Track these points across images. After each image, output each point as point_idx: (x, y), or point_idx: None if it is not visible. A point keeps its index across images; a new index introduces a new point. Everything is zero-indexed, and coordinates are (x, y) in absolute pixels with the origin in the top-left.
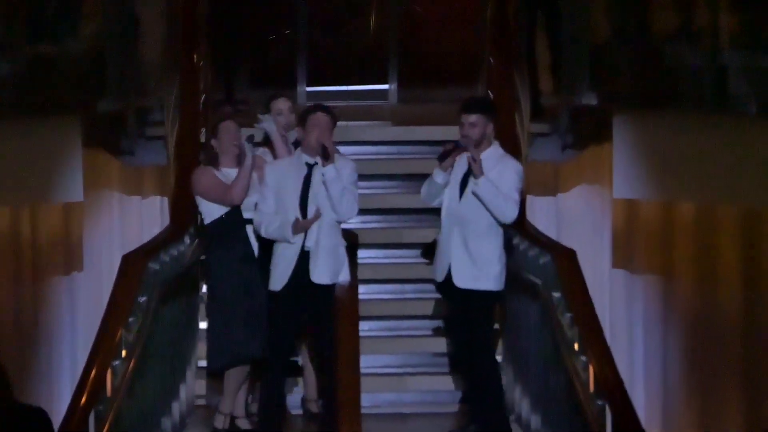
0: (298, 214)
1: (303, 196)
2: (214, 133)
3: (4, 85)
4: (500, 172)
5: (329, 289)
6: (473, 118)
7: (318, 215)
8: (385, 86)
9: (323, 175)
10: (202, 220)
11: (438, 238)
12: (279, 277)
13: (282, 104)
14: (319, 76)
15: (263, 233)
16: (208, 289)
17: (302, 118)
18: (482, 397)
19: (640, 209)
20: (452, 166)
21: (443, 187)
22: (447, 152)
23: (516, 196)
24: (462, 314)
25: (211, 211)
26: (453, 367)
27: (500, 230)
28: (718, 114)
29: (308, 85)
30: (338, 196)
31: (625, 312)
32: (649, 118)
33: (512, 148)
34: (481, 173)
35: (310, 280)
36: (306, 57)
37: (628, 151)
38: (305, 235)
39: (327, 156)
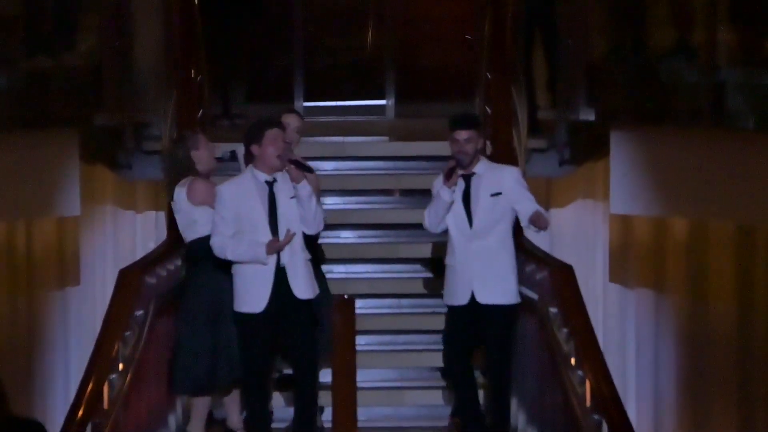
0: (269, 235)
1: (271, 215)
2: (186, 142)
3: (2, 98)
4: (506, 185)
5: (307, 303)
6: (467, 134)
7: (291, 236)
8: (383, 101)
9: (298, 191)
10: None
11: (450, 263)
12: (257, 297)
13: (290, 119)
14: (316, 91)
15: (229, 256)
16: (185, 307)
17: (254, 136)
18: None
19: (637, 224)
20: (456, 182)
21: (450, 206)
22: (452, 169)
23: (532, 196)
24: (489, 331)
25: (204, 225)
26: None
27: (512, 243)
28: (716, 129)
29: (305, 101)
30: (313, 212)
31: (621, 326)
32: (647, 134)
33: (509, 163)
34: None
35: (292, 297)
36: (303, 72)
37: (625, 167)
38: (278, 253)
39: (307, 169)
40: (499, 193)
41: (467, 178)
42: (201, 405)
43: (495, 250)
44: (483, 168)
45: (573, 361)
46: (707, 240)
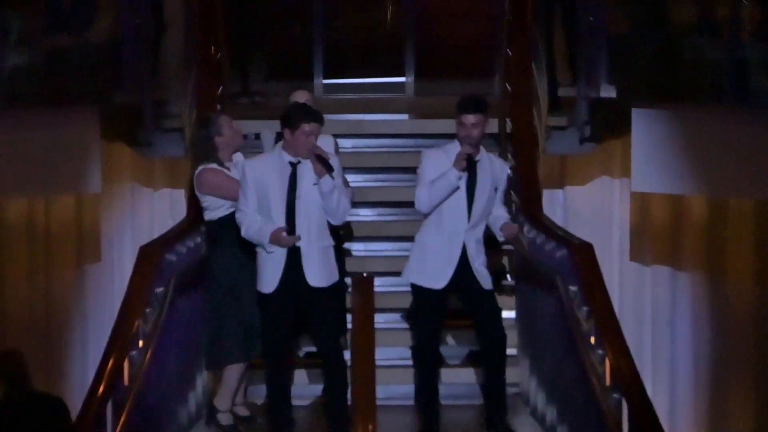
0: (283, 216)
1: (290, 197)
2: (210, 127)
3: (24, 77)
4: (501, 180)
5: (325, 291)
6: (475, 118)
7: (295, 238)
8: (402, 79)
9: (321, 186)
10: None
11: (429, 242)
12: (268, 278)
13: (300, 96)
14: (335, 69)
15: (243, 233)
16: (211, 284)
17: (291, 121)
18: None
19: (657, 202)
20: (465, 168)
21: (454, 191)
22: (469, 155)
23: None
24: (487, 312)
25: (219, 207)
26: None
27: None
28: (737, 107)
29: (325, 78)
30: (335, 205)
31: (638, 304)
32: (668, 111)
33: (530, 141)
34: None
35: (305, 282)
36: (323, 49)
37: (646, 145)
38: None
39: (329, 167)
40: (496, 189)
41: (473, 164)
42: (233, 379)
43: (480, 239)
44: (484, 158)
45: (593, 339)
46: (726, 217)
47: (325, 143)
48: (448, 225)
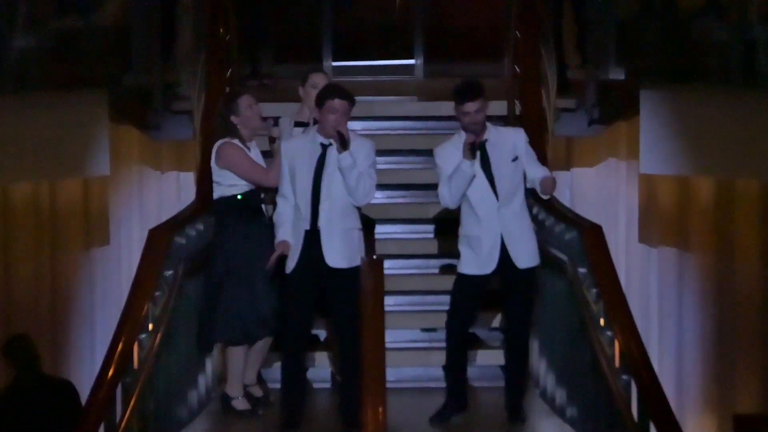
0: (309, 196)
1: (316, 178)
2: (231, 108)
3: (32, 59)
4: (519, 149)
5: (345, 272)
6: (476, 104)
7: (278, 256)
8: (411, 61)
9: (339, 162)
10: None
11: (473, 234)
12: (288, 259)
13: (318, 78)
14: (345, 51)
15: (274, 217)
16: (220, 261)
17: (319, 101)
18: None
19: (664, 184)
20: (476, 155)
21: (472, 180)
22: (473, 143)
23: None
24: (517, 294)
25: (233, 185)
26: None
27: (527, 206)
28: (746, 88)
29: (334, 60)
30: (354, 183)
31: (644, 286)
32: (677, 93)
33: (538, 123)
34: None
35: (323, 263)
36: (332, 31)
37: (655, 126)
38: (316, 216)
39: (344, 145)
40: (516, 158)
41: (482, 148)
42: (236, 363)
43: (520, 213)
44: (492, 134)
45: (602, 321)
46: (733, 199)
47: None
48: (479, 211)
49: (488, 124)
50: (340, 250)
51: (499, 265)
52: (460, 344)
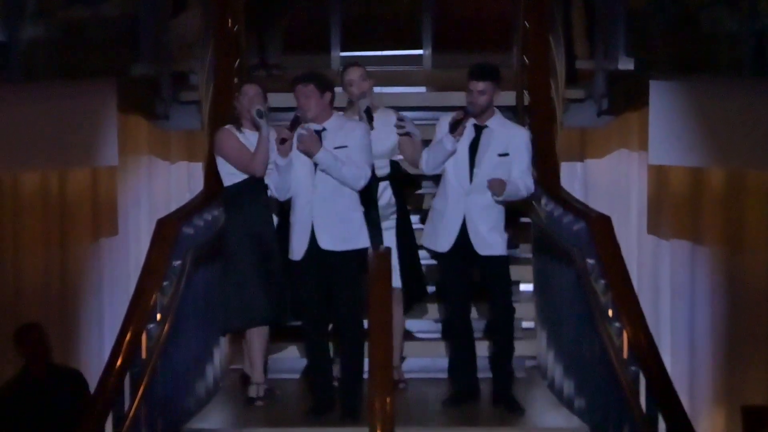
0: (309, 184)
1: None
2: (237, 94)
3: (40, 48)
4: (514, 147)
5: (341, 256)
6: (482, 85)
7: (289, 137)
8: (420, 51)
9: (318, 165)
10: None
11: (438, 207)
12: (297, 246)
13: (351, 75)
14: (353, 41)
15: (272, 188)
16: (225, 250)
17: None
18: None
19: (674, 175)
20: (462, 133)
21: (451, 155)
22: (459, 121)
23: (531, 170)
24: (493, 285)
25: (233, 173)
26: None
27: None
28: (756, 79)
29: (342, 51)
30: (341, 177)
31: (655, 277)
32: (687, 84)
33: (547, 114)
34: (502, 190)
35: (318, 246)
36: (340, 22)
37: (664, 117)
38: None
39: (294, 124)
40: (506, 154)
41: (478, 130)
42: (257, 348)
43: (491, 205)
44: (496, 123)
45: (610, 312)
46: (745, 190)
47: (385, 116)
48: (450, 189)
49: (497, 113)
50: (333, 233)
51: (457, 246)
52: (458, 326)
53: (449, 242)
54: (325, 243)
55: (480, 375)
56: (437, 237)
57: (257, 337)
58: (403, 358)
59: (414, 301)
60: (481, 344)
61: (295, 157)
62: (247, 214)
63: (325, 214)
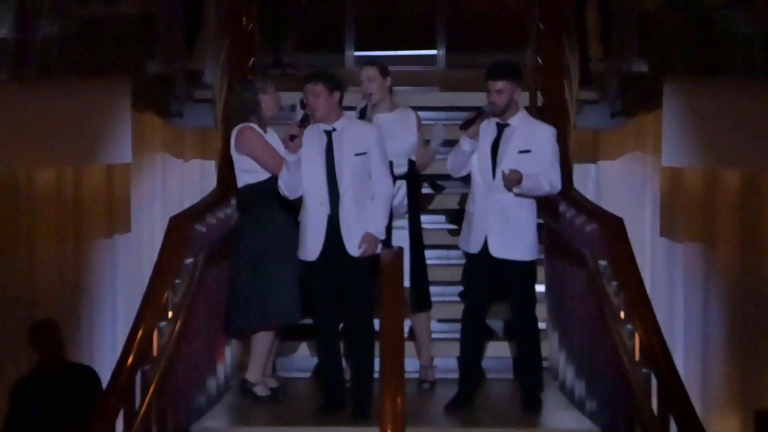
0: (324, 186)
1: (329, 166)
2: (264, 87)
3: (55, 46)
4: (537, 143)
5: (363, 260)
6: (500, 84)
7: (299, 133)
8: (434, 51)
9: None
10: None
11: (469, 210)
12: (311, 246)
13: (360, 74)
14: (367, 41)
15: (283, 189)
16: (236, 252)
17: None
18: (523, 364)
19: (688, 177)
20: (478, 133)
21: (470, 155)
22: (470, 120)
23: (557, 167)
24: (497, 284)
25: (249, 171)
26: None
27: (533, 201)
28: None
29: (356, 50)
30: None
31: (669, 280)
32: (700, 86)
33: (560, 115)
34: (518, 183)
35: (344, 252)
36: (354, 22)
37: (678, 119)
38: (335, 204)
39: (304, 121)
40: (528, 151)
41: (500, 128)
42: (262, 348)
43: (513, 205)
44: (519, 120)
45: (622, 314)
46: (759, 192)
47: (405, 115)
48: (476, 189)
49: (522, 111)
50: (360, 237)
51: (483, 248)
52: (469, 328)
53: (478, 244)
54: (353, 249)
55: (502, 376)
56: (469, 238)
57: (266, 335)
58: (431, 358)
59: (415, 304)
60: (502, 345)
61: (305, 156)
62: (276, 213)
63: (353, 219)
